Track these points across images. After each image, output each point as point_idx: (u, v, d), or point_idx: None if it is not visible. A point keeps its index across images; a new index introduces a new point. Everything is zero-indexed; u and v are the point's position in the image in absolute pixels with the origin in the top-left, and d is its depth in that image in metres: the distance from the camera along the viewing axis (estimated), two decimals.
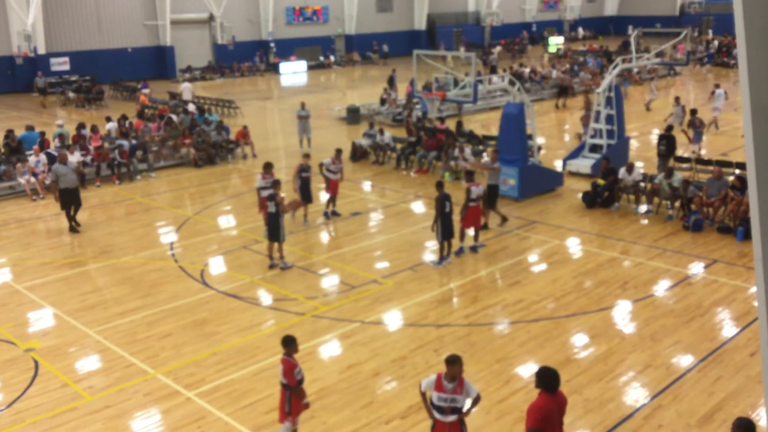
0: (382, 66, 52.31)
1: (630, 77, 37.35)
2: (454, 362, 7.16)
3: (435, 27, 59.46)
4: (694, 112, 23.02)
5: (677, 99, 25.12)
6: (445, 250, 14.05)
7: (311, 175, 16.50)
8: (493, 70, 41.73)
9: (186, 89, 33.90)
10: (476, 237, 14.63)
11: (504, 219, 16.19)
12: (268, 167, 15.37)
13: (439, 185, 13.90)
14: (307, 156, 16.85)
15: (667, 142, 20.11)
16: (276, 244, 13.95)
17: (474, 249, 14.58)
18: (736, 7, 4.09)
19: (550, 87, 36.42)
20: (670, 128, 20.94)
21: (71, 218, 16.65)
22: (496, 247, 14.96)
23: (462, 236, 14.36)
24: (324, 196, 17.47)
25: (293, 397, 7.96)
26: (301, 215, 16.73)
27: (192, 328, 11.55)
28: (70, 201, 16.55)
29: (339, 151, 17.22)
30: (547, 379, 6.65)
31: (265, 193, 14.70)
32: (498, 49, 53.87)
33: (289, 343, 7.92)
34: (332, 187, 16.94)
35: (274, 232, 13.80)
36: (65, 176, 16.44)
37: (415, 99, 28.66)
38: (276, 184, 14.22)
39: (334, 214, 17.10)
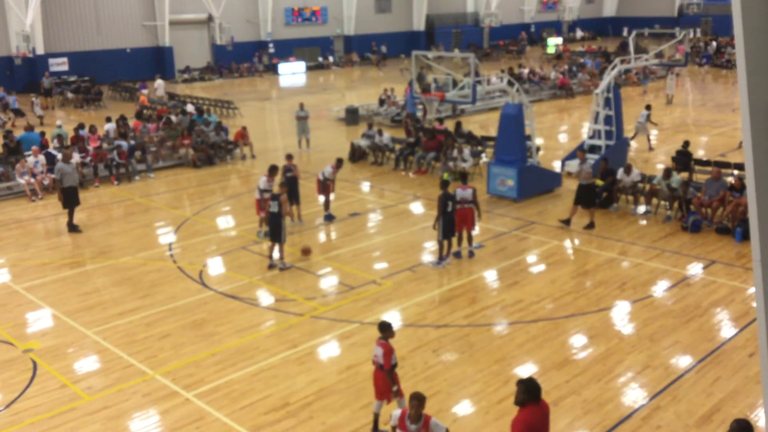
0: (382, 67, 52.27)
1: (649, 75, 37.48)
2: (412, 399, 6.84)
3: (434, 28, 59.47)
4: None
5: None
6: (445, 249, 14.06)
7: (296, 175, 16.49)
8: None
9: (159, 86, 36.00)
10: (470, 240, 14.60)
11: (591, 224, 16.02)
12: (273, 170, 15.36)
13: (444, 184, 13.94)
14: (290, 157, 16.85)
15: (684, 159, 19.49)
16: (277, 245, 13.96)
17: (470, 253, 14.55)
18: (735, 9, 4.10)
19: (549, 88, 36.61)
20: (686, 144, 20.13)
21: (72, 218, 16.62)
22: (495, 248, 14.97)
23: (459, 240, 14.36)
24: (315, 200, 17.43)
25: (394, 377, 8.38)
26: (295, 216, 16.71)
27: (191, 329, 11.55)
28: (71, 200, 16.56)
29: (340, 161, 17.13)
30: (531, 390, 6.50)
31: (267, 195, 14.74)
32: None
33: (387, 329, 8.40)
34: (326, 191, 16.95)
35: (276, 232, 13.81)
36: (70, 175, 16.50)
37: (414, 100, 28.67)
38: (283, 185, 14.23)
39: (329, 217, 17.05)
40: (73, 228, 16.63)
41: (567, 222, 16.08)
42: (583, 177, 15.94)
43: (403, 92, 32.83)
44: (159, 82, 36.59)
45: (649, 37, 48.36)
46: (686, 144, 19.91)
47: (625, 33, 67.83)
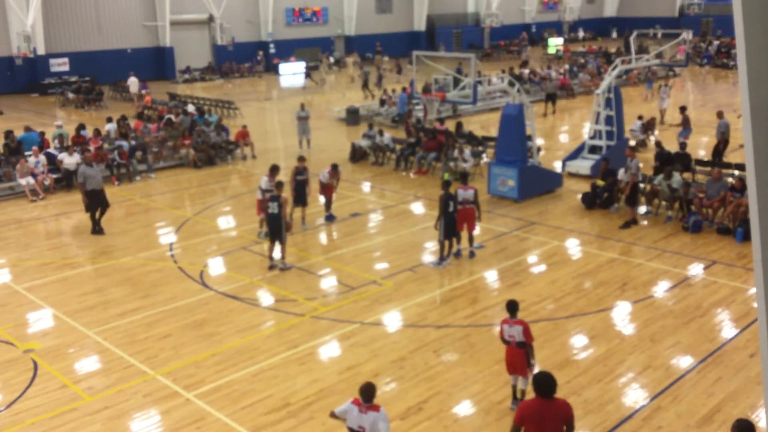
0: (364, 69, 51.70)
1: (652, 77, 37.19)
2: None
3: (434, 28, 59.46)
4: (684, 109, 23.54)
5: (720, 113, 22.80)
6: (446, 249, 14.06)
7: (308, 178, 16.45)
8: None
9: (132, 83, 36.76)
10: (471, 240, 14.59)
11: (634, 221, 16.10)
12: (274, 170, 15.31)
13: (446, 184, 13.93)
14: (302, 159, 16.77)
15: (684, 160, 19.08)
16: (278, 245, 13.95)
17: (471, 254, 14.53)
18: (736, 9, 4.09)
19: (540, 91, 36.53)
20: (683, 146, 19.80)
21: (96, 221, 16.47)
22: (495, 249, 14.96)
23: (459, 239, 14.35)
24: (316, 200, 17.44)
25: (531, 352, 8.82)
26: (299, 217, 16.70)
27: (191, 329, 11.55)
28: (96, 203, 16.40)
29: (335, 167, 17.06)
30: (539, 383, 6.73)
31: (269, 195, 14.71)
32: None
33: (518, 307, 8.93)
34: (326, 192, 16.94)
35: (277, 232, 13.81)
36: (93, 178, 16.24)
37: (415, 100, 28.68)
38: (279, 185, 14.21)
39: (330, 218, 17.03)
40: (95, 230, 16.46)
41: (633, 221, 16.12)
42: (634, 175, 16.08)
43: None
44: (132, 80, 37.21)
45: (653, 37, 48.30)
46: (683, 146, 19.90)
47: (614, 35, 67.77)
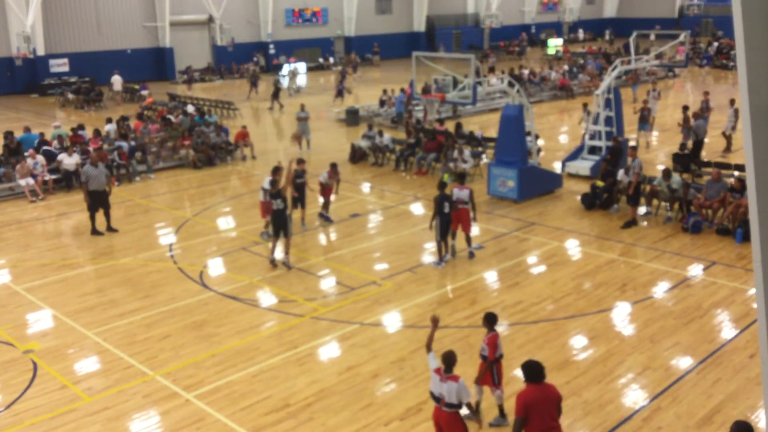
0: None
1: (638, 80, 36.92)
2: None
3: (434, 29, 59.50)
4: (686, 108, 23.31)
5: (731, 101, 23.19)
6: (443, 249, 14.07)
7: (306, 180, 16.43)
8: None
9: (117, 81, 38.03)
10: (468, 241, 14.57)
11: (633, 221, 16.15)
12: (276, 171, 15.28)
13: (442, 185, 13.96)
14: (301, 161, 16.74)
15: (684, 161, 19.41)
16: (284, 241, 13.96)
17: (470, 254, 14.52)
18: (735, 9, 4.10)
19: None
20: (683, 146, 20.01)
21: (96, 220, 16.43)
22: (495, 249, 14.97)
23: (453, 236, 14.32)
24: (315, 201, 17.46)
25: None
26: (298, 218, 16.68)
27: (191, 330, 11.55)
28: (97, 204, 16.36)
29: (334, 166, 17.11)
30: (530, 370, 7.03)
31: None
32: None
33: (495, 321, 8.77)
34: (325, 193, 16.95)
35: (282, 226, 13.83)
36: (96, 178, 16.18)
37: (415, 101, 28.69)
38: (277, 170, 14.23)
39: (326, 219, 17.01)
40: (109, 230, 16.50)
41: (633, 222, 16.15)
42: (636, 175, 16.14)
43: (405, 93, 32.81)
44: (116, 78, 37.80)
45: (648, 38, 48.27)
46: (683, 146, 19.94)
47: (607, 36, 67.74)
